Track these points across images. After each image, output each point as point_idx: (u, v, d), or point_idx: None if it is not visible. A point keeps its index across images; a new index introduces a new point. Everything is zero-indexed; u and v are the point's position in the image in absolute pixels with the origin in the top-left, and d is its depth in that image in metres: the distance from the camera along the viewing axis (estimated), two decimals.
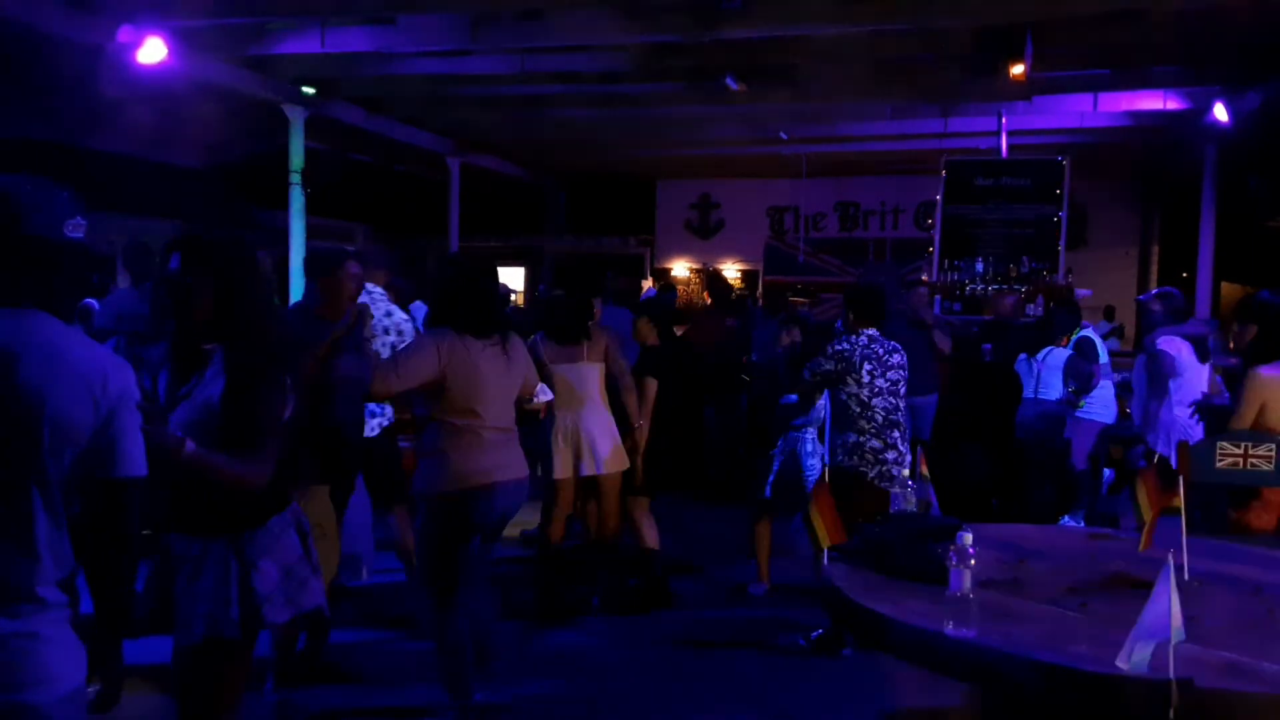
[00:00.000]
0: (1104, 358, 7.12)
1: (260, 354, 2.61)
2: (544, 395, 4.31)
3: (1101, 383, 7.01)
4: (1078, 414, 7.11)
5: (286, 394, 2.64)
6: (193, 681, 2.64)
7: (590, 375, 5.42)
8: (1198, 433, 5.69)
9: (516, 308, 14.50)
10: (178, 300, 2.61)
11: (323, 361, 4.13)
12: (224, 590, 2.56)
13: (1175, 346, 6.02)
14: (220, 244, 2.65)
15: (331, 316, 4.33)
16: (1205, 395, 5.88)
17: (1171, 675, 2.08)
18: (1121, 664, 2.16)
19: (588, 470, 5.37)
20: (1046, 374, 6.76)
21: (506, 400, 3.99)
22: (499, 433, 3.91)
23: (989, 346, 7.53)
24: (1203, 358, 6.08)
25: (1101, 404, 7.13)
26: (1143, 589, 2.47)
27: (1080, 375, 6.76)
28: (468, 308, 3.87)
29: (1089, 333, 7.24)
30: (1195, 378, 6.05)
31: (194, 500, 2.58)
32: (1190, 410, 5.83)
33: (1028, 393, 6.89)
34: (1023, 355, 7.01)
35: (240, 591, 2.56)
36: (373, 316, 4.69)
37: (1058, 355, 6.78)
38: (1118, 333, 13.18)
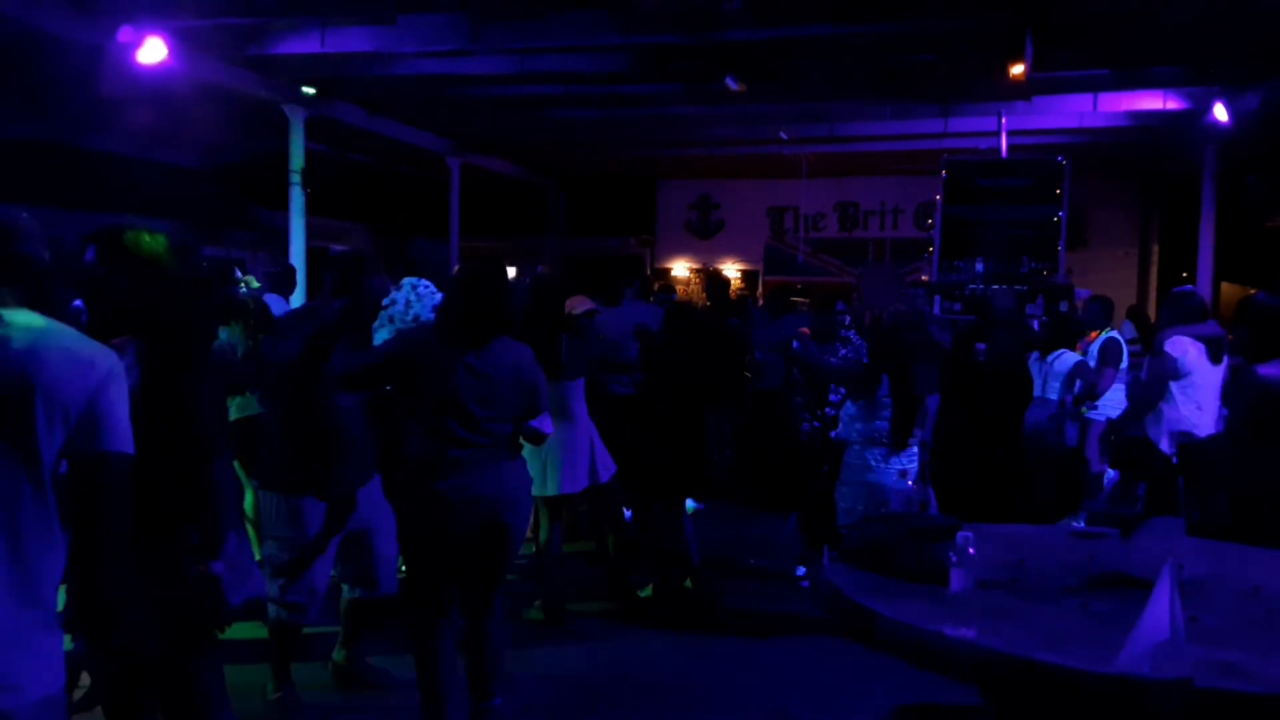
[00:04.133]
0: (1125, 361, 7.14)
1: (178, 347, 2.60)
2: (544, 426, 3.93)
3: (1115, 384, 7.05)
4: (1089, 414, 7.11)
5: (215, 388, 2.65)
6: (174, 677, 2.66)
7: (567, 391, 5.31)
8: (1204, 429, 5.70)
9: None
10: (92, 292, 2.61)
11: (312, 355, 3.79)
12: (182, 581, 2.60)
13: (1181, 348, 6.00)
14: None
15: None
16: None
17: (1171, 675, 2.08)
18: (1121, 664, 2.16)
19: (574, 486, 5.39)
20: (1052, 378, 6.78)
21: (485, 414, 3.65)
22: (467, 448, 3.62)
23: (982, 346, 7.53)
24: (1216, 359, 6.04)
25: (1114, 404, 7.13)
26: (1143, 589, 2.47)
27: (1087, 381, 6.76)
28: (447, 316, 3.75)
29: (1115, 334, 7.26)
30: (1205, 380, 6.01)
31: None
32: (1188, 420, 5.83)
33: (1036, 392, 6.92)
34: (1034, 354, 7.02)
35: (200, 579, 2.61)
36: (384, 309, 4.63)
37: (1067, 359, 6.78)
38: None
